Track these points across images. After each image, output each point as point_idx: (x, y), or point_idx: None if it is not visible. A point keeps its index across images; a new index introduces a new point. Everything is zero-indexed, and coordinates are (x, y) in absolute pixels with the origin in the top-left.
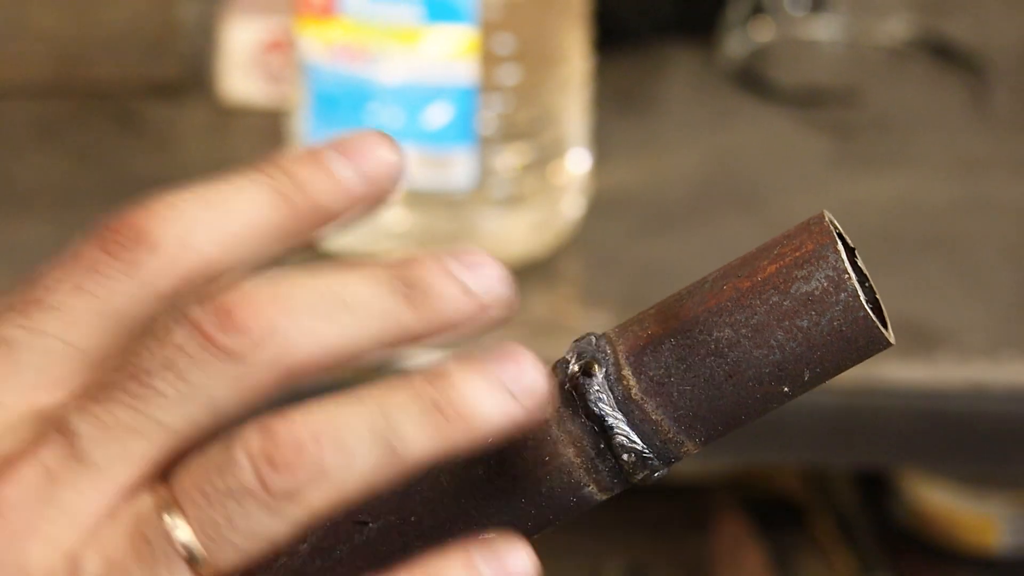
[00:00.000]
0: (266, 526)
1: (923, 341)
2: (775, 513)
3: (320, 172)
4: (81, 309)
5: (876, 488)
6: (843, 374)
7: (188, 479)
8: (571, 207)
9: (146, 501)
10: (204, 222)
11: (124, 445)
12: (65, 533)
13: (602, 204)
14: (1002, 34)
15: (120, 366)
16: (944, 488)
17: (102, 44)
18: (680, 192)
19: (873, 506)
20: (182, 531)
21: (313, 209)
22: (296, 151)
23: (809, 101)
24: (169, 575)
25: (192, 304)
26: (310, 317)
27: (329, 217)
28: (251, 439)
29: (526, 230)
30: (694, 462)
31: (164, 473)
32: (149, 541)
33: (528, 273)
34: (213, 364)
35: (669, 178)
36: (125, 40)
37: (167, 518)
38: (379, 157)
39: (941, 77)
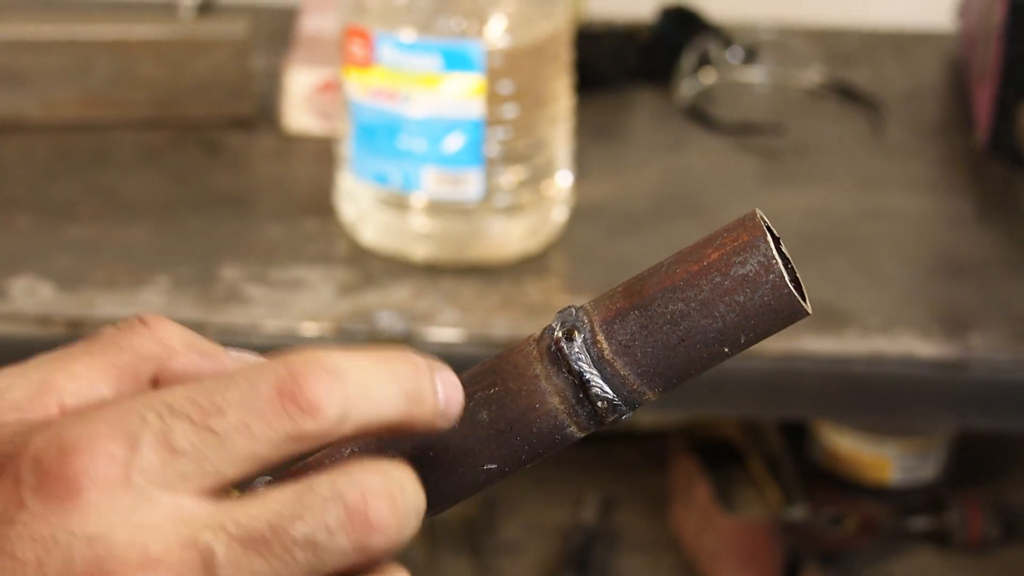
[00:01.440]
0: None
1: (833, 320)
2: (719, 455)
3: (432, 397)
4: (242, 448)
5: (797, 435)
6: (771, 346)
7: None
8: (558, 215)
9: None
10: (359, 409)
11: None
12: None
13: (582, 212)
14: (893, 80)
15: (271, 522)
16: (850, 435)
17: (192, 88)
18: (643, 203)
19: (795, 449)
20: None
21: (422, 424)
22: (420, 362)
23: (743, 132)
24: None
25: (349, 492)
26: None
27: (423, 431)
28: None
29: (523, 233)
30: (655, 414)
31: None
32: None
33: (524, 266)
34: (343, 545)
35: (635, 192)
36: (210, 85)
37: None
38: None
39: (846, 113)
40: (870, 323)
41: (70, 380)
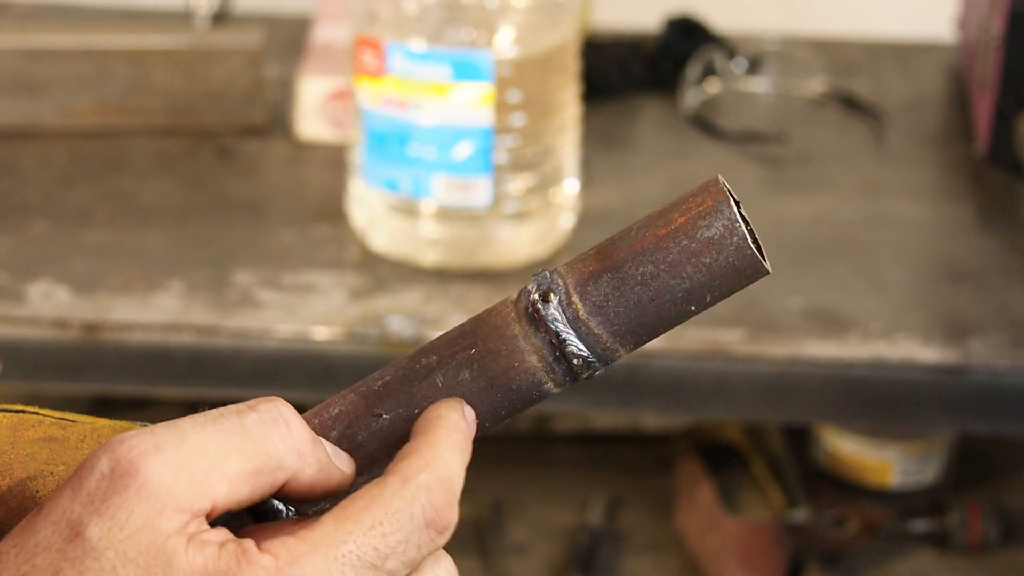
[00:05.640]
0: None
1: (835, 325)
2: (722, 457)
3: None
4: (405, 571)
5: (800, 438)
6: (774, 351)
7: None
8: (565, 221)
9: None
10: None
11: None
12: None
13: (589, 218)
14: (894, 90)
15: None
16: (852, 438)
17: (206, 96)
18: (649, 210)
19: (797, 452)
20: None
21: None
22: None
23: (747, 140)
24: None
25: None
26: None
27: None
28: None
29: (531, 238)
30: (660, 418)
31: None
32: None
33: (532, 272)
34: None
35: (640, 199)
36: (224, 93)
37: None
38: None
39: (848, 122)
40: (872, 328)
41: (224, 483)
